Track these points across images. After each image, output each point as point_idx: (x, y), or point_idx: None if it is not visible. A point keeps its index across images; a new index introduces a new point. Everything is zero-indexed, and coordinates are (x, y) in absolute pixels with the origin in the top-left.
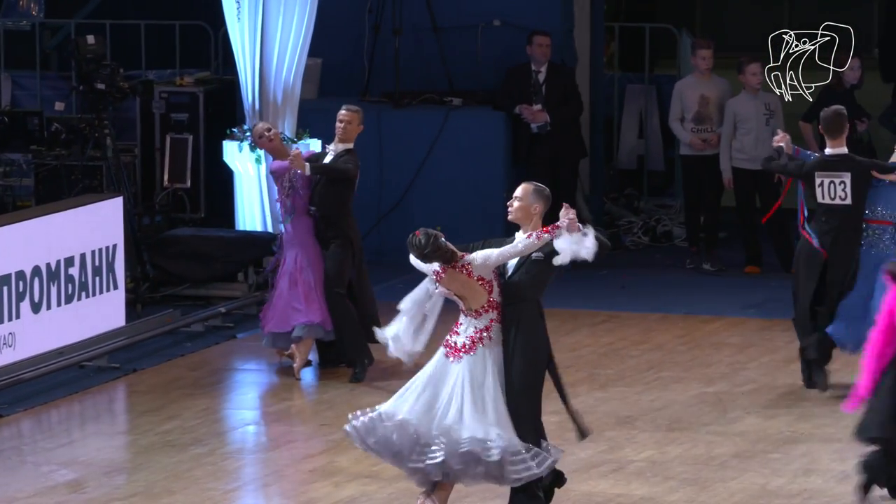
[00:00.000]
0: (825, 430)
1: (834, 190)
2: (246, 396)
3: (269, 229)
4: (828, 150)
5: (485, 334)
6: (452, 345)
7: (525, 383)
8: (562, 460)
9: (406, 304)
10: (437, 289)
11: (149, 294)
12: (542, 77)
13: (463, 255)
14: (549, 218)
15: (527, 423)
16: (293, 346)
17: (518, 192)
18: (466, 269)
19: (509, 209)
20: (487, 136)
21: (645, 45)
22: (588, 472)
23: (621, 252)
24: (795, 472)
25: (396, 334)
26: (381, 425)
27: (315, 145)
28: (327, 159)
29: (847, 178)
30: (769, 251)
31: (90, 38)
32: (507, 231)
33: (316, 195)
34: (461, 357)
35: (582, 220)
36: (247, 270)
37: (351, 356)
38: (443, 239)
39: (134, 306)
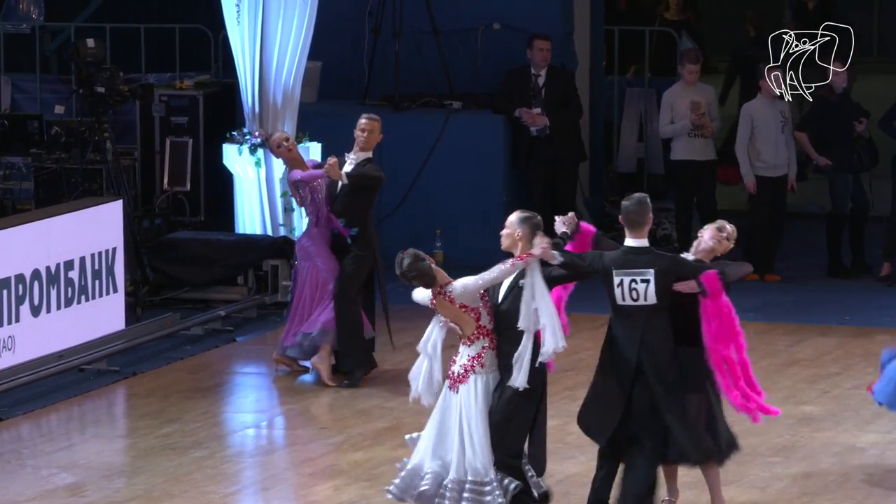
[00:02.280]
0: (825, 433)
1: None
2: (245, 400)
3: (269, 232)
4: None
5: (476, 362)
6: (451, 374)
7: (509, 412)
8: (562, 463)
9: (421, 344)
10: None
11: (148, 297)
12: (541, 80)
13: (448, 282)
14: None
15: (505, 453)
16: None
17: (507, 221)
18: (448, 297)
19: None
20: (487, 139)
21: (645, 49)
22: (588, 476)
23: None
24: (794, 476)
25: (413, 374)
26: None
27: (314, 148)
28: (347, 167)
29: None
30: (781, 257)
31: (90, 42)
32: None
33: (338, 203)
34: (458, 388)
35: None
36: (246, 274)
37: (347, 365)
38: (427, 262)
39: (134, 310)
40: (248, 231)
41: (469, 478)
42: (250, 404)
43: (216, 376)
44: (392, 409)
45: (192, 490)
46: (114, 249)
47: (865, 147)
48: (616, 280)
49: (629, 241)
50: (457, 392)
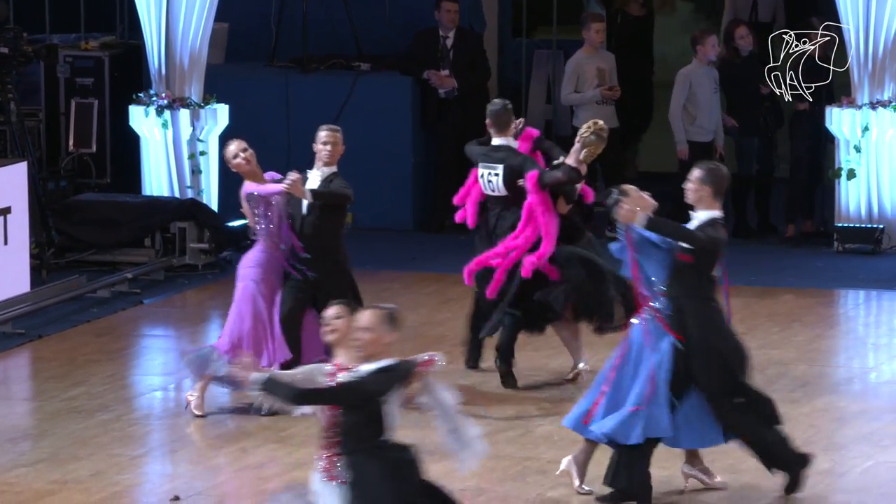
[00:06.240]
0: None
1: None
2: (153, 362)
3: (177, 194)
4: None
5: None
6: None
7: None
8: (471, 424)
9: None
10: None
11: (54, 260)
12: (449, 42)
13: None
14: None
15: None
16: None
17: (364, 319)
18: None
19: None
20: (395, 101)
21: (553, 10)
22: (496, 437)
23: None
24: None
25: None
26: None
27: (222, 110)
28: (310, 184)
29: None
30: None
31: None
32: (413, 196)
33: (307, 226)
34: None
35: None
36: (153, 236)
37: None
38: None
39: (39, 272)
40: (156, 193)
41: None
42: (157, 367)
43: (123, 339)
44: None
45: (99, 453)
46: (19, 211)
47: (770, 109)
48: (479, 172)
49: (494, 141)
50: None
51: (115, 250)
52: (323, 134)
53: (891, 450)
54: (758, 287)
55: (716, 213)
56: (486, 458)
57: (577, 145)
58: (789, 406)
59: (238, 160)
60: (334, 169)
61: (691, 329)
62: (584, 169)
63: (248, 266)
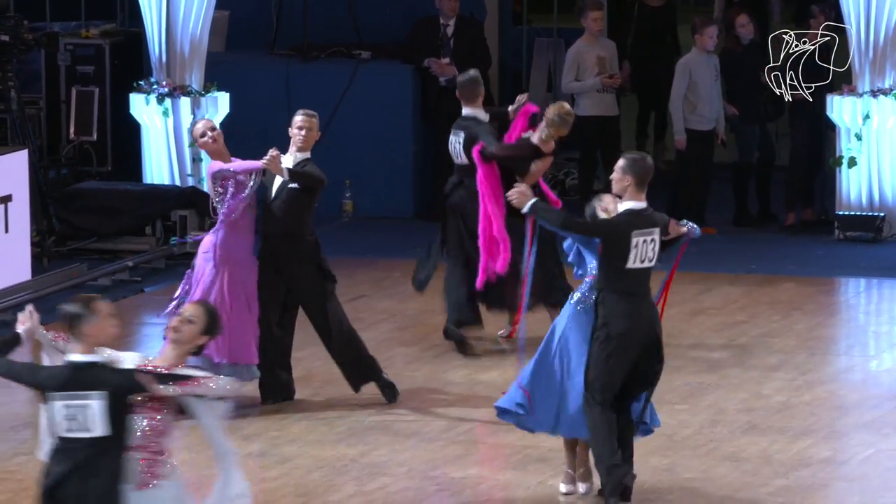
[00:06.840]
0: (731, 381)
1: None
2: (153, 350)
3: (177, 182)
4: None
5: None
6: None
7: None
8: (472, 415)
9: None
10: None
11: (55, 248)
12: (450, 30)
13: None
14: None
15: None
16: None
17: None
18: None
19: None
20: (396, 89)
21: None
22: (497, 426)
23: None
24: (701, 423)
25: None
26: None
27: (222, 98)
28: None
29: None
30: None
31: None
32: (413, 184)
33: (275, 209)
34: None
35: None
36: (154, 224)
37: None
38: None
39: (40, 260)
40: (156, 181)
41: None
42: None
43: (124, 327)
44: (301, 360)
45: None
46: (19, 199)
47: (771, 97)
48: (449, 139)
49: (464, 111)
50: None
51: (116, 238)
52: (299, 118)
53: (891, 438)
54: (758, 275)
55: (636, 204)
56: (487, 447)
57: (541, 123)
58: (789, 394)
59: (205, 139)
60: (307, 155)
61: (599, 319)
62: (549, 147)
63: (204, 251)
